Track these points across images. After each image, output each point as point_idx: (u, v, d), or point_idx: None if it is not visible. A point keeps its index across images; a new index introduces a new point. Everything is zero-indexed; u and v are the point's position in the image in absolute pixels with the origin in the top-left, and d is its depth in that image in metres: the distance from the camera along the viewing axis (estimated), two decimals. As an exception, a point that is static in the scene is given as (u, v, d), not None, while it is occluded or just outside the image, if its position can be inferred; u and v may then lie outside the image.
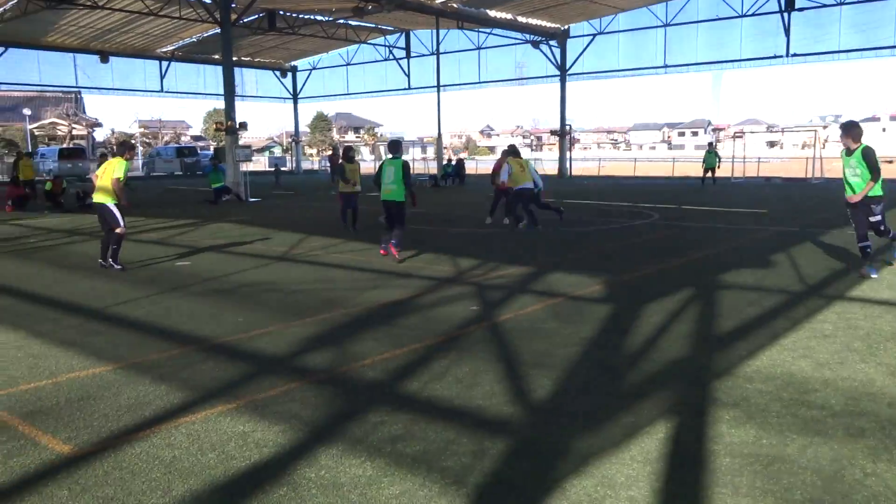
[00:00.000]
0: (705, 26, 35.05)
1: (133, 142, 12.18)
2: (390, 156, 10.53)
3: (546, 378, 5.15)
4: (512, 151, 14.62)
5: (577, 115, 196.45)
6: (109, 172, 9.77)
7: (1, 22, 34.66)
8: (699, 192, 25.86)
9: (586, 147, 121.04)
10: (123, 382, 5.18)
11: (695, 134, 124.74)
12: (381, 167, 10.48)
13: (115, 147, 10.79)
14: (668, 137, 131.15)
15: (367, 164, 49.52)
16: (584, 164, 51.00)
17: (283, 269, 10.19)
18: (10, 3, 32.31)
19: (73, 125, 62.03)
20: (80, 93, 59.90)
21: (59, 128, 62.72)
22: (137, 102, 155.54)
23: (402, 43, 44.76)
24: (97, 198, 9.98)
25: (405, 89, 46.44)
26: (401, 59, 45.34)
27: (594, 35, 38.81)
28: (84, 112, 64.93)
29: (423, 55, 44.26)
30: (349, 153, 15.07)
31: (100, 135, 72.12)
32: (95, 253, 10.54)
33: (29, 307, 7.84)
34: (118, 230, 9.85)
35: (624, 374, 5.29)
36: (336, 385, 5.13)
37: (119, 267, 9.92)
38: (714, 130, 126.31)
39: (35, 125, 59.00)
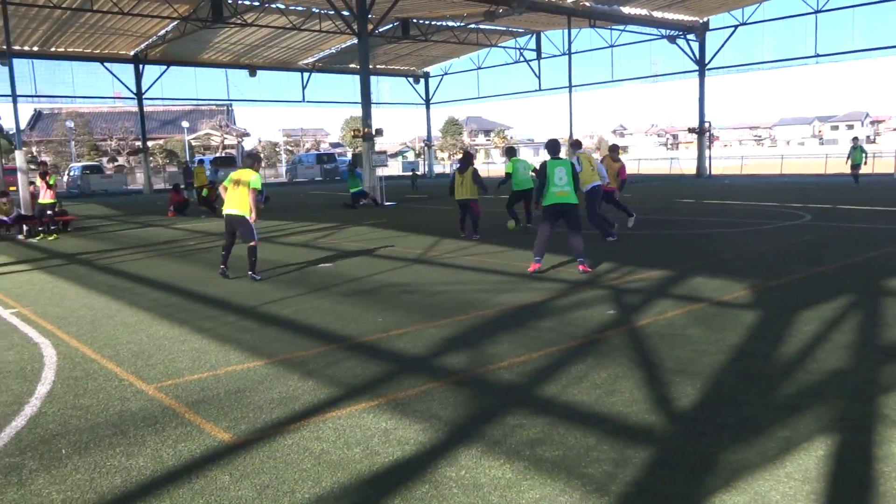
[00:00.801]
0: (863, 10, 32.41)
1: (257, 152, 12.69)
2: (556, 156, 9.61)
3: (690, 386, 4.94)
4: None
5: (717, 111, 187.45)
6: (244, 184, 9.74)
7: (163, 43, 37.90)
8: (855, 190, 23.89)
9: (727, 144, 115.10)
10: (275, 377, 5.49)
11: (850, 127, 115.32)
12: (544, 168, 9.39)
13: (244, 160, 10.65)
14: (819, 132, 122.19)
15: (497, 166, 49.69)
16: (725, 162, 48.50)
17: (420, 271, 10.42)
18: (172, 26, 35.25)
19: (225, 135, 66.70)
20: (230, 105, 64.36)
21: (212, 138, 67.64)
22: (281, 112, 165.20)
23: (532, 45, 44.64)
24: (233, 209, 9.84)
25: (535, 91, 46.24)
26: (531, 60, 45.23)
27: (736, 26, 36.93)
28: (234, 123, 69.63)
29: (554, 56, 43.92)
30: (465, 160, 14.34)
31: (248, 143, 76.99)
32: (240, 257, 11.24)
33: (191, 305, 8.49)
34: (252, 243, 9.87)
35: (777, 385, 4.97)
36: (473, 386, 5.17)
37: (258, 278, 9.90)
38: (872, 123, 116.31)
39: (192, 136, 63.99)
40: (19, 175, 18.98)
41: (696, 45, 38.54)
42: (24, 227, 17.01)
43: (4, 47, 33.67)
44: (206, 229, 18.09)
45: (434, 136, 64.90)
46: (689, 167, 40.08)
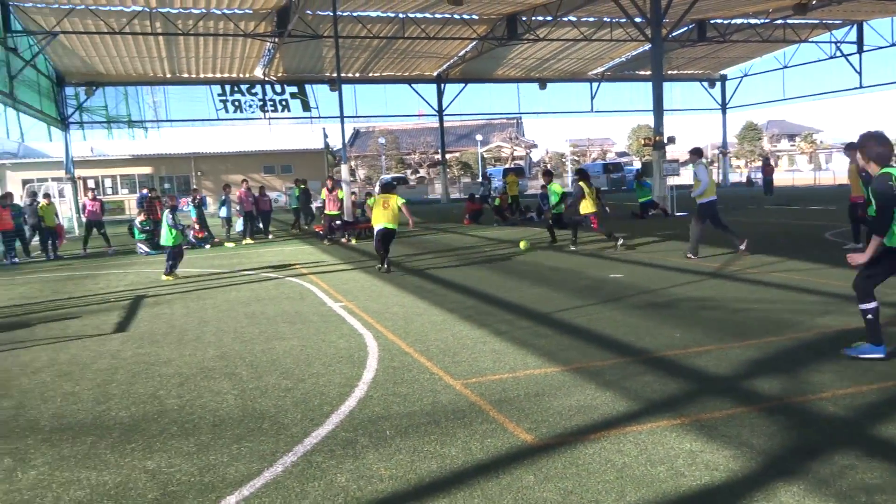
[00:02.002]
0: None
1: (394, 182, 15.41)
2: None
3: None
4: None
5: None
6: (393, 205, 12.23)
7: (462, 62, 40.71)
8: None
9: None
10: (572, 384, 5.55)
11: None
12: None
13: (383, 187, 13.65)
14: None
15: (804, 175, 44.91)
16: None
17: (720, 286, 9.81)
18: (471, 46, 37.71)
19: (515, 147, 69.56)
20: (520, 118, 66.98)
21: (503, 150, 71.00)
22: (568, 123, 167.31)
23: (851, 37, 39.65)
24: (386, 223, 12.29)
25: (855, 89, 40.98)
26: (850, 54, 40.17)
27: None
28: (523, 135, 72.33)
29: (880, 48, 38.49)
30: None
31: (535, 155, 79.36)
32: (540, 263, 11.61)
33: (489, 308, 8.96)
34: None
35: None
36: (789, 416, 4.71)
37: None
38: None
39: (484, 149, 67.83)
40: (343, 186, 21.72)
41: None
42: (334, 232, 19.44)
43: (334, 75, 38.68)
44: (498, 237, 18.99)
45: (729, 142, 60.77)
46: None
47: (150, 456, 4.53)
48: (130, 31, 29.54)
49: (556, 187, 16.50)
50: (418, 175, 67.62)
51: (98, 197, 21.89)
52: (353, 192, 21.59)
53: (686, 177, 57.89)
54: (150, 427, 5.08)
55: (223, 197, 21.98)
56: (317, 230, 21.43)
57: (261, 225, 22.49)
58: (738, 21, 36.43)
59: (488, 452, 4.29)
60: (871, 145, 5.57)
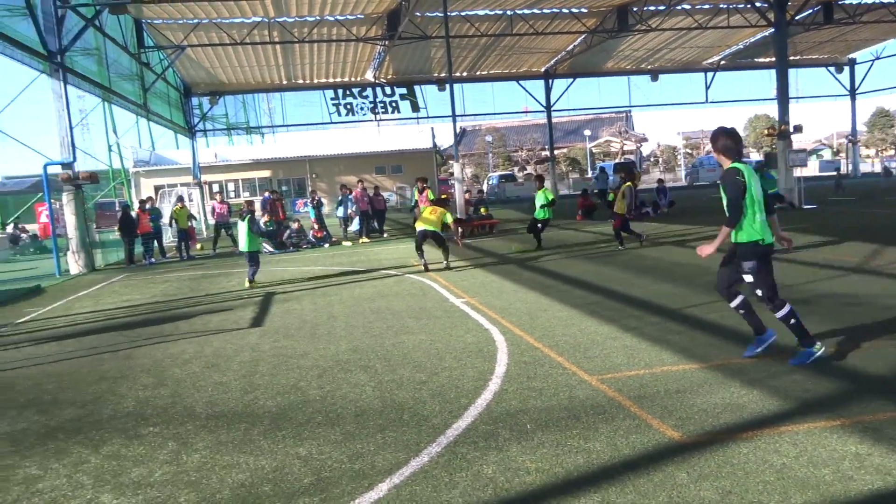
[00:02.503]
0: None
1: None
2: None
3: None
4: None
5: None
6: (438, 216, 13.22)
7: (570, 57, 40.15)
8: None
9: None
10: (714, 381, 5.34)
11: None
12: None
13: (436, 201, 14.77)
14: None
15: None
16: None
17: (864, 282, 9.18)
18: (579, 40, 37.12)
19: (624, 141, 67.94)
20: (629, 111, 65.26)
21: (612, 144, 69.51)
22: (680, 115, 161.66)
23: None
24: (428, 226, 13.17)
25: None
26: None
27: None
28: (633, 129, 70.51)
29: None
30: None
31: (646, 149, 77.20)
32: (660, 258, 11.25)
33: (614, 304, 8.79)
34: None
35: None
36: (966, 419, 4.34)
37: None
38: None
39: (593, 144, 66.63)
40: (456, 184, 21.91)
41: None
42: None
43: (443, 75, 38.98)
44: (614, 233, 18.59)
45: (858, 130, 56.82)
46: None
47: (300, 443, 4.73)
48: (250, 41, 31.00)
49: (546, 193, 16.21)
50: (525, 172, 67.27)
51: (225, 200, 23.12)
52: (467, 191, 21.73)
53: (812, 167, 54.43)
54: (297, 416, 5.31)
55: (340, 197, 22.66)
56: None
57: (376, 224, 23.04)
58: (869, 1, 33.97)
59: (635, 448, 4.20)
60: (721, 139, 5.65)
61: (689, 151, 78.83)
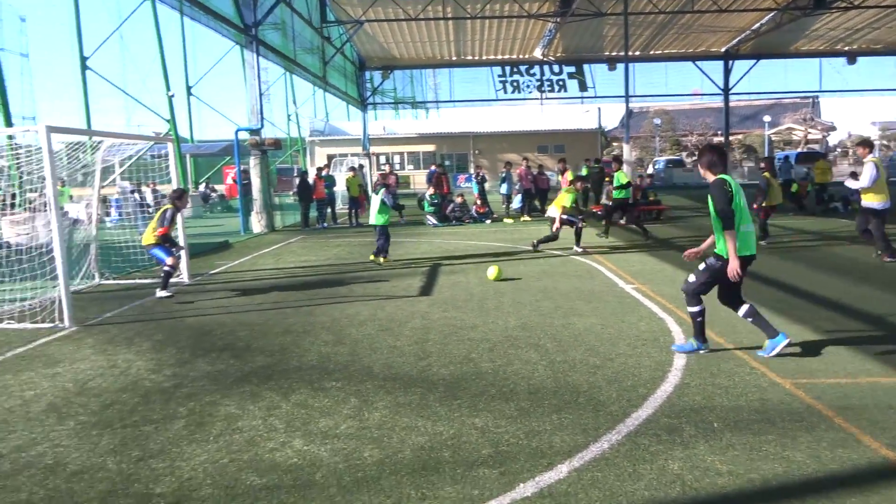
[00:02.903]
0: None
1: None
2: None
3: None
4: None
5: None
6: (561, 196, 13.26)
7: (755, 36, 37.39)
8: None
9: None
10: (933, 400, 4.77)
11: None
12: None
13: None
14: None
15: None
16: None
17: None
18: (767, 18, 34.46)
19: (809, 129, 62.66)
20: (816, 97, 59.96)
21: (794, 132, 64.35)
22: (878, 103, 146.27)
23: None
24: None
25: None
26: None
27: None
28: (819, 116, 64.80)
29: None
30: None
31: (833, 138, 70.85)
32: (856, 259, 10.25)
33: (805, 303, 8.10)
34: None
35: None
36: None
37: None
38: None
39: (772, 130, 62.01)
40: (625, 166, 21.21)
41: None
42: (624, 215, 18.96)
43: (614, 53, 37.84)
44: (799, 227, 17.22)
45: None
46: None
47: (476, 414, 4.76)
48: (424, 16, 31.62)
49: (622, 175, 15.75)
50: (695, 158, 63.94)
51: (394, 171, 23.87)
52: (639, 176, 21.01)
53: None
54: (471, 387, 5.35)
55: (503, 174, 22.69)
56: (594, 210, 21.23)
57: (538, 203, 22.86)
58: None
59: (843, 464, 3.83)
60: (706, 155, 5.94)
61: (886, 143, 71.20)
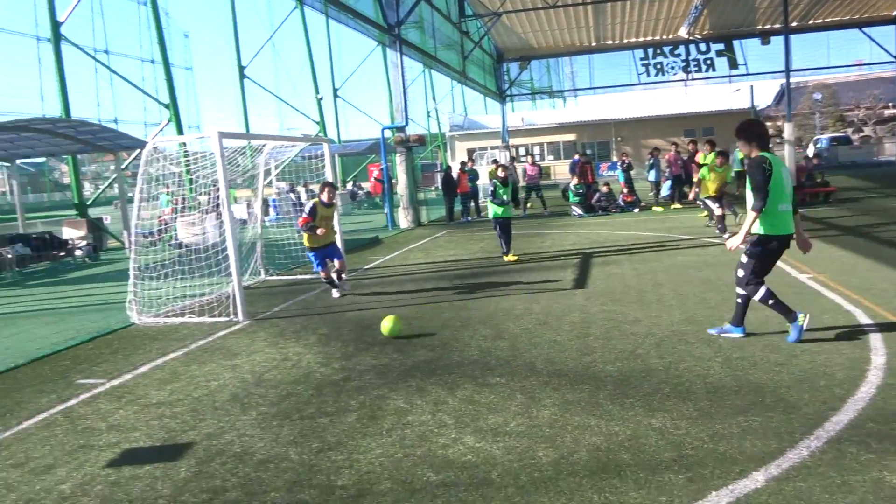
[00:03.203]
0: None
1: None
2: None
3: None
4: None
5: None
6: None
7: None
8: None
9: None
10: None
11: None
12: None
13: None
14: None
15: None
16: None
17: None
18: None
19: None
20: None
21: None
22: None
23: None
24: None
25: None
26: None
27: None
28: None
29: None
30: None
31: None
32: None
33: None
34: None
35: None
36: None
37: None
38: None
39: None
40: (787, 147, 19.74)
41: None
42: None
43: (767, 27, 35.41)
44: None
45: None
46: None
47: (651, 414, 4.52)
48: (562, 3, 31.00)
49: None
50: (862, 134, 58.53)
51: (537, 163, 23.64)
52: (804, 157, 19.47)
53: None
54: (642, 384, 5.10)
55: (651, 160, 21.79)
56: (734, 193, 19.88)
57: (688, 189, 21.75)
58: None
59: None
60: (747, 132, 5.79)
61: None
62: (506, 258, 11.85)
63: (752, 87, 44.56)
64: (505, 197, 11.79)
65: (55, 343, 7.77)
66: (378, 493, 3.71)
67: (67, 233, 17.86)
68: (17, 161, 19.14)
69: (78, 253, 16.95)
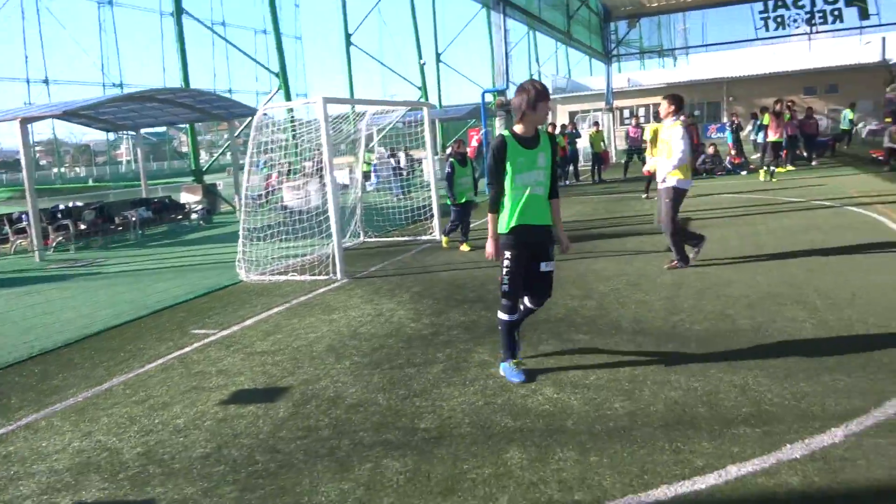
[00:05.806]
0: None
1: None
2: None
3: None
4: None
5: None
6: None
7: None
8: None
9: None
10: None
11: None
12: None
13: None
14: None
15: None
16: None
17: None
18: None
19: None
20: None
21: None
22: None
23: None
24: None
25: None
26: None
27: None
28: None
29: None
30: None
31: None
32: None
33: None
34: None
35: None
36: None
37: None
38: None
39: None
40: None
41: None
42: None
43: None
44: None
45: None
46: None
47: (734, 371, 4.49)
48: (674, -44, 29.67)
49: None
50: None
51: (640, 125, 23.00)
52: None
53: None
54: (727, 343, 5.05)
55: (757, 121, 20.72)
56: (875, 155, 18.62)
57: (804, 151, 20.59)
58: None
59: None
60: None
61: None
62: (463, 247, 10.58)
63: (883, 38, 41.17)
64: (463, 179, 10.61)
65: (174, 297, 8.47)
66: (457, 436, 3.93)
67: (185, 197, 19.16)
68: (142, 130, 20.55)
69: (194, 216, 18.16)
